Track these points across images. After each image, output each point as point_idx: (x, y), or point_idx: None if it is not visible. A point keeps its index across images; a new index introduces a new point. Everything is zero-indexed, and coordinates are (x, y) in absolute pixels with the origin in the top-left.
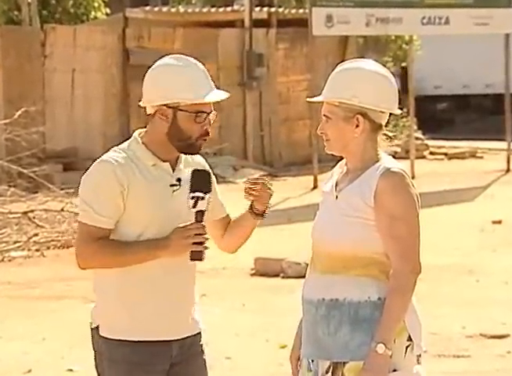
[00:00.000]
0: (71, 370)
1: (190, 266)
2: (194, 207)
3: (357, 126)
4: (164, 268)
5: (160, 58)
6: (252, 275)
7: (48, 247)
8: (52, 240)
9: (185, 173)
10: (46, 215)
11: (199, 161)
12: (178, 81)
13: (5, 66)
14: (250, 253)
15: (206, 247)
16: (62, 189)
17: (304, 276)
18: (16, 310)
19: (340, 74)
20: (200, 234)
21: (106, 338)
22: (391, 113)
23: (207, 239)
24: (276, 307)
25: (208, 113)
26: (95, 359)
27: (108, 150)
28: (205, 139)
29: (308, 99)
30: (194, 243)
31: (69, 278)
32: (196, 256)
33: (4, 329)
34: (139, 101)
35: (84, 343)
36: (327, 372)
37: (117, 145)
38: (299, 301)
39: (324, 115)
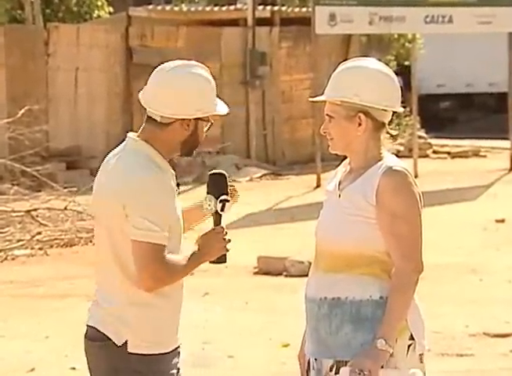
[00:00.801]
0: (74, 368)
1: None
2: (223, 210)
3: (359, 125)
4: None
5: (163, 57)
6: (255, 273)
7: (52, 246)
8: (56, 239)
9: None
10: (49, 213)
11: None
12: (208, 92)
13: (8, 64)
14: (253, 251)
15: (228, 250)
16: (65, 187)
17: (307, 275)
18: (19, 309)
19: (341, 73)
20: (226, 238)
21: (139, 354)
22: (394, 112)
23: (229, 241)
24: (279, 306)
25: None
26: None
27: (108, 152)
28: None
29: (310, 99)
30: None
31: (72, 276)
32: (223, 259)
33: (7, 328)
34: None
35: None
36: (331, 370)
37: (117, 145)
38: (302, 300)
39: (327, 114)
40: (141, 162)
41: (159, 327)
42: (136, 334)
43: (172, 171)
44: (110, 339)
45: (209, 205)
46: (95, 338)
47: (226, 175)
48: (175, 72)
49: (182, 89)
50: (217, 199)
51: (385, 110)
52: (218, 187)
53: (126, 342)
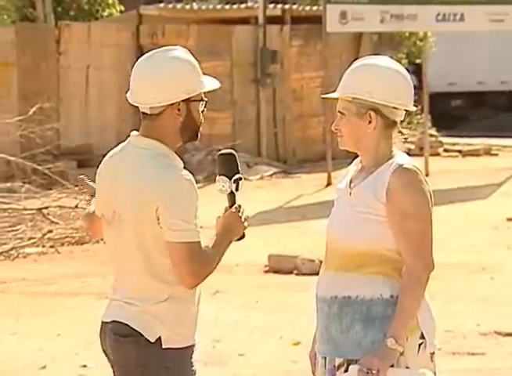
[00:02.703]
0: (85, 366)
1: None
2: (237, 189)
3: (369, 122)
4: None
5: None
6: (266, 272)
7: (63, 244)
8: (67, 237)
9: None
10: (60, 211)
11: None
12: (191, 72)
13: (19, 63)
14: (264, 250)
15: (246, 226)
16: (76, 185)
17: (318, 274)
18: (31, 307)
19: (354, 71)
20: (242, 215)
21: (172, 349)
22: (406, 111)
23: (248, 217)
24: (290, 304)
25: None
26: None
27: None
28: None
29: (322, 96)
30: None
31: (83, 275)
32: (242, 235)
33: (19, 325)
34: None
35: (98, 339)
36: (340, 368)
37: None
38: (313, 298)
39: (339, 111)
40: (166, 161)
41: (187, 319)
42: (170, 330)
43: (180, 161)
44: (143, 335)
45: (223, 186)
46: (125, 334)
47: (235, 153)
48: (151, 61)
49: (162, 75)
50: (230, 179)
51: (396, 109)
52: (230, 167)
53: (159, 338)
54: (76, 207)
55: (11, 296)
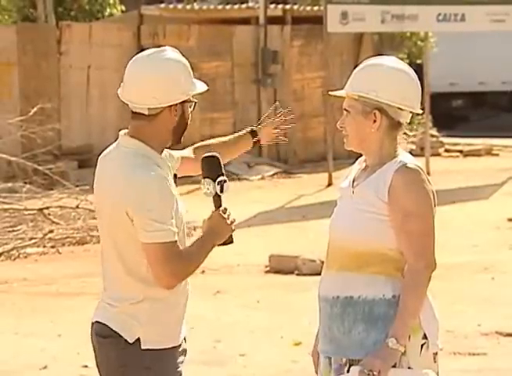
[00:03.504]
0: (86, 366)
1: None
2: (222, 191)
3: (374, 121)
4: None
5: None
6: (266, 272)
7: (64, 244)
8: (68, 237)
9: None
10: (61, 211)
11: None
12: (187, 74)
13: (21, 63)
14: (265, 250)
15: (233, 229)
16: (77, 186)
17: (318, 274)
18: (32, 307)
19: (362, 70)
20: (228, 217)
21: (151, 350)
22: (413, 113)
23: (234, 220)
24: (291, 304)
25: None
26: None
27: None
28: None
29: (329, 93)
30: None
31: (84, 275)
32: (230, 240)
33: (20, 325)
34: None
35: None
36: (341, 368)
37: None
38: (314, 298)
39: (344, 109)
40: (138, 162)
41: (169, 321)
42: (149, 330)
43: (169, 163)
44: (121, 336)
45: (207, 189)
46: (105, 335)
47: (219, 156)
48: (151, 61)
49: (163, 76)
50: (214, 181)
51: (402, 109)
52: (213, 169)
53: (138, 339)
54: (77, 207)
55: (12, 296)
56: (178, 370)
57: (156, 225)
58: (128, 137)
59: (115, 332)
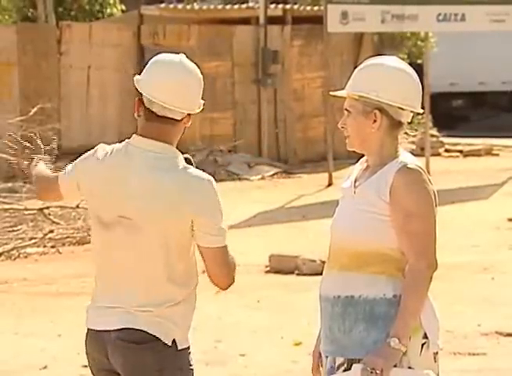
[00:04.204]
0: (87, 366)
1: None
2: None
3: (375, 121)
4: None
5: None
6: (267, 272)
7: (64, 244)
8: (68, 237)
9: None
10: (61, 211)
11: None
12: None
13: (21, 63)
14: (265, 250)
15: None
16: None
17: (319, 274)
18: (32, 307)
19: (362, 70)
20: None
21: (184, 349)
22: (413, 113)
23: None
24: (291, 304)
25: None
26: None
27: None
28: None
29: (330, 93)
30: None
31: (84, 275)
32: None
33: (20, 325)
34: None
35: None
36: (339, 367)
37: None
38: (314, 298)
39: (345, 109)
40: (185, 166)
41: (191, 320)
42: (182, 331)
43: None
44: (160, 340)
45: None
46: (140, 341)
47: (190, 158)
48: (186, 68)
49: (198, 84)
50: None
51: (402, 109)
52: None
53: (174, 341)
54: (77, 207)
55: (12, 296)
56: (192, 367)
57: (219, 229)
58: (150, 141)
59: (153, 336)
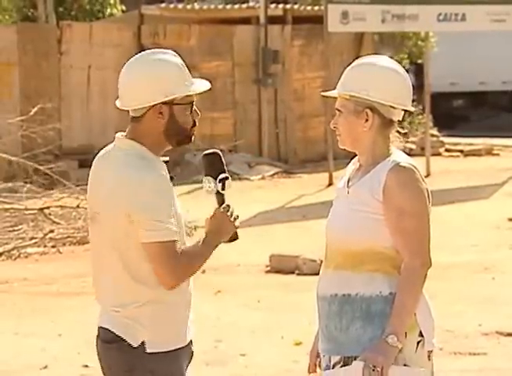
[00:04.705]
0: (87, 366)
1: None
2: (223, 189)
3: (366, 120)
4: None
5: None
6: (267, 272)
7: (64, 244)
8: (68, 237)
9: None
10: (62, 211)
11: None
12: (172, 75)
13: (21, 63)
14: (265, 250)
15: (237, 226)
16: (77, 185)
17: (319, 273)
18: (33, 307)
19: (352, 69)
20: (232, 214)
21: (156, 353)
22: (406, 111)
23: (238, 217)
24: (291, 304)
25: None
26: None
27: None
28: (195, 129)
29: (322, 93)
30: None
31: (85, 275)
32: (235, 236)
33: (21, 325)
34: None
35: None
36: (335, 366)
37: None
38: (314, 298)
39: (337, 109)
40: (134, 163)
41: (172, 322)
42: (153, 333)
43: (164, 166)
44: (126, 341)
45: (209, 187)
46: (110, 340)
47: (220, 153)
48: (136, 63)
49: (141, 77)
50: (215, 179)
51: (394, 108)
52: (215, 167)
53: (143, 343)
54: (77, 207)
55: (12, 296)
56: (182, 372)
57: (156, 225)
58: (123, 138)
59: (119, 337)
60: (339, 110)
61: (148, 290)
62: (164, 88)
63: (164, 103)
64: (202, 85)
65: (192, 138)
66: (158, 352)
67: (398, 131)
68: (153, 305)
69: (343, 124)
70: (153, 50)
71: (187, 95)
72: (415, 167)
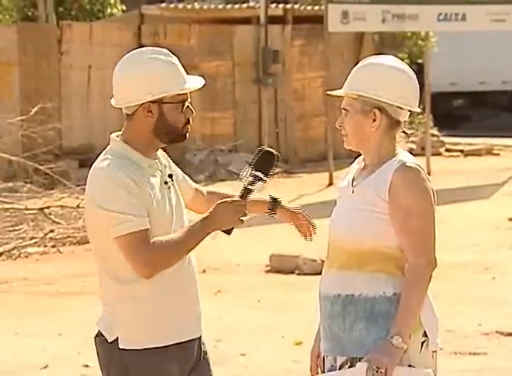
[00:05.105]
0: (87, 365)
1: (192, 267)
2: (251, 184)
3: (374, 120)
4: (172, 270)
5: (176, 55)
6: (267, 272)
7: (64, 244)
8: (68, 237)
9: (171, 168)
10: (62, 211)
11: (162, 153)
12: (160, 74)
13: (21, 62)
14: (266, 250)
15: (242, 222)
16: (78, 185)
17: (319, 273)
18: (33, 306)
19: (360, 69)
20: (243, 211)
21: (131, 350)
22: (411, 112)
23: (245, 215)
24: (291, 304)
25: (187, 101)
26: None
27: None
28: (189, 127)
29: (328, 93)
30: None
31: (85, 274)
32: (230, 230)
33: (21, 325)
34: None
35: None
36: (342, 367)
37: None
38: (315, 298)
39: (343, 108)
40: (108, 162)
41: (150, 320)
42: (126, 330)
43: (159, 165)
44: (104, 336)
45: (244, 176)
46: (96, 335)
47: (277, 158)
48: (126, 61)
49: (131, 75)
50: (255, 173)
51: (401, 108)
52: (263, 164)
53: (117, 339)
54: (78, 206)
55: (13, 296)
56: (162, 371)
57: (120, 218)
58: (114, 141)
59: (101, 332)
60: (345, 110)
61: (120, 285)
62: (151, 86)
63: (154, 101)
64: (194, 84)
65: (187, 135)
66: (131, 350)
67: (403, 132)
68: (124, 301)
69: (349, 124)
70: (145, 48)
71: (178, 94)
72: (420, 167)
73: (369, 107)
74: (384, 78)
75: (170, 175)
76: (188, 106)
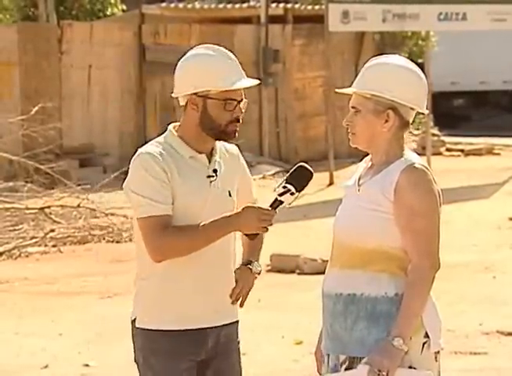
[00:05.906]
0: (88, 365)
1: (225, 249)
2: (280, 195)
3: (386, 121)
4: (201, 253)
5: (176, 55)
6: (268, 271)
7: (65, 243)
8: (69, 236)
9: (221, 164)
10: (63, 210)
11: (232, 152)
12: (206, 69)
13: (22, 62)
14: (266, 249)
15: (267, 230)
16: (78, 185)
17: (320, 273)
18: (34, 306)
19: (374, 68)
20: (269, 220)
21: (143, 329)
22: (417, 112)
23: (271, 225)
24: (292, 303)
25: (239, 101)
26: (134, 350)
27: (143, 145)
28: (236, 126)
29: (336, 90)
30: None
31: (85, 274)
32: (253, 236)
33: (21, 325)
34: (171, 95)
35: (100, 339)
36: (342, 365)
37: (152, 139)
38: (315, 297)
39: (353, 107)
40: (147, 148)
41: (164, 300)
42: (142, 309)
43: (206, 159)
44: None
45: (277, 187)
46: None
47: (312, 175)
48: (185, 56)
49: (181, 68)
50: (287, 186)
51: (412, 109)
52: (297, 179)
53: (136, 318)
54: (78, 206)
55: (13, 295)
56: (171, 354)
57: (143, 201)
58: (169, 130)
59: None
60: (355, 108)
61: (140, 266)
62: (196, 80)
63: (199, 95)
64: (242, 83)
65: (235, 134)
66: (143, 329)
67: (410, 132)
68: (141, 281)
69: (360, 123)
70: (207, 45)
71: (222, 91)
72: (427, 168)
73: (383, 108)
74: (398, 78)
75: (214, 170)
76: (236, 105)
